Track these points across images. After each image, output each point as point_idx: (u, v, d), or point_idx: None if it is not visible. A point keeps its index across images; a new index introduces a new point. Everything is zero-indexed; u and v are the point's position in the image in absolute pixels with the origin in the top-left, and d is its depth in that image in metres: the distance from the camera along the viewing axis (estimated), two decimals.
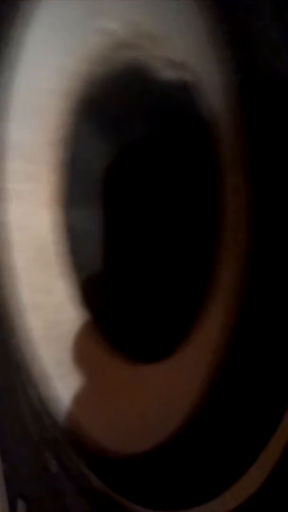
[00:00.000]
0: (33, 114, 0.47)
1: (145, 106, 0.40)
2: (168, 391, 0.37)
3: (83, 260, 0.47)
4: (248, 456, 0.30)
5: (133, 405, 0.39)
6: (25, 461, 0.53)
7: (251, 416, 0.31)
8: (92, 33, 0.40)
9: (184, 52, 0.34)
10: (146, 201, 0.43)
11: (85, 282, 0.47)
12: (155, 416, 0.36)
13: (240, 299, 0.32)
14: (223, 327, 0.32)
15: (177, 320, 0.38)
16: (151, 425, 0.36)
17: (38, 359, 0.47)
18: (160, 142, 0.41)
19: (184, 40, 0.33)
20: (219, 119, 0.33)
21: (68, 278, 0.48)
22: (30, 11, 0.43)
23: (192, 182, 0.39)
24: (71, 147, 0.47)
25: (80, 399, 0.42)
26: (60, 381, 0.45)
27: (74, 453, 0.41)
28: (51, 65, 0.44)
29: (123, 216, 0.45)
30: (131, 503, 0.36)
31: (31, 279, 0.49)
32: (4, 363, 0.54)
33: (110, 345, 0.43)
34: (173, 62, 0.35)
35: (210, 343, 0.33)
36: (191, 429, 0.34)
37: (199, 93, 0.34)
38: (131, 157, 0.44)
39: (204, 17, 0.30)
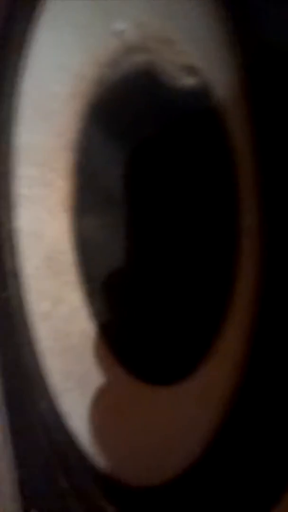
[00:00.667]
0: (43, 118, 0.45)
1: (157, 111, 0.38)
2: (185, 415, 0.35)
3: (94, 270, 0.46)
4: (277, 482, 0.28)
5: (148, 431, 0.37)
6: (38, 473, 0.52)
7: (278, 438, 0.29)
8: (103, 36, 0.38)
9: (198, 56, 0.32)
10: (161, 209, 0.41)
11: (96, 294, 0.45)
12: (171, 443, 0.34)
13: (257, 322, 0.30)
14: (240, 347, 0.30)
15: (194, 340, 0.36)
16: (167, 455, 0.34)
17: (46, 371, 0.46)
18: (173, 147, 0.39)
19: (197, 43, 0.31)
20: (231, 123, 0.31)
21: (78, 289, 0.46)
22: (39, 12, 0.42)
23: (208, 186, 0.37)
24: (82, 152, 0.45)
25: (92, 420, 0.41)
26: (68, 396, 0.43)
27: (85, 474, 0.39)
28: (62, 68, 0.42)
29: (137, 225, 0.43)
30: None
31: (40, 287, 0.48)
32: (17, 373, 0.53)
33: (122, 363, 0.41)
34: (187, 66, 0.33)
35: (229, 363, 0.31)
36: (211, 455, 0.32)
37: (212, 98, 0.32)
38: (143, 163, 0.42)
39: (217, 18, 0.28)
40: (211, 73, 0.31)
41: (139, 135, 0.41)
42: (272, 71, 0.26)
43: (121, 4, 0.36)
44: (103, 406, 0.41)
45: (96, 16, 0.38)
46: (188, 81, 0.33)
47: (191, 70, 0.32)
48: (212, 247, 0.37)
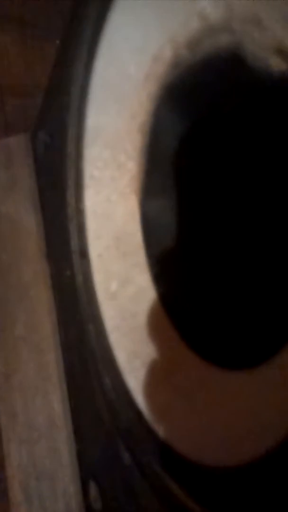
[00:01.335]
0: (116, 99, 0.45)
1: (237, 93, 0.37)
2: (262, 401, 0.35)
3: (161, 252, 0.46)
4: None
5: (222, 414, 0.37)
6: (98, 445, 0.53)
7: None
8: (183, 15, 0.37)
9: None
10: (231, 195, 0.41)
11: (164, 276, 0.46)
12: (246, 428, 0.34)
13: None
14: None
15: (274, 322, 0.36)
16: (242, 438, 0.34)
17: (112, 350, 0.47)
18: (250, 134, 0.38)
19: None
20: None
21: (146, 270, 0.47)
22: None
23: (283, 176, 0.36)
24: (153, 134, 0.45)
25: (158, 400, 0.41)
26: (133, 375, 0.44)
27: (151, 452, 0.40)
28: (137, 49, 0.42)
29: (205, 208, 0.43)
30: None
31: (107, 267, 0.49)
32: (79, 349, 0.54)
33: (191, 345, 0.41)
34: (276, 48, 0.32)
35: None
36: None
37: None
38: (216, 149, 0.41)
39: None
40: None
41: (212, 120, 0.41)
42: None
43: None
44: (170, 386, 0.42)
45: None
46: (276, 63, 0.32)
47: (281, 52, 0.31)
48: (284, 232, 0.37)
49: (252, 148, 0.37)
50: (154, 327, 0.45)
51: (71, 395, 0.60)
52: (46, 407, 0.62)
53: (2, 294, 0.64)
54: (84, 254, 0.50)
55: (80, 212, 0.49)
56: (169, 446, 0.39)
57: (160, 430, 0.40)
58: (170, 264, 0.46)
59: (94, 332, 0.49)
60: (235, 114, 0.38)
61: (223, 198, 0.42)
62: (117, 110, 0.45)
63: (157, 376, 0.43)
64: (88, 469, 0.57)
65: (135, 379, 0.45)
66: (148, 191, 0.47)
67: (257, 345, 0.36)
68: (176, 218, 0.45)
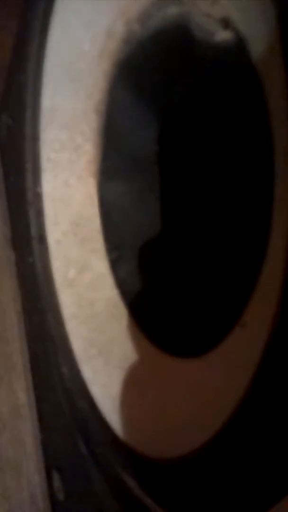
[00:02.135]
0: (71, 78, 0.43)
1: (189, 68, 0.36)
2: (208, 388, 0.34)
3: (120, 238, 0.45)
4: None
5: (170, 404, 0.36)
6: (60, 435, 0.52)
7: None
8: None
9: (234, 7, 0.29)
10: (192, 174, 0.40)
11: (121, 262, 0.44)
12: (190, 419, 0.33)
13: (284, 296, 0.28)
14: (267, 320, 0.29)
15: (221, 312, 0.35)
16: (185, 429, 0.33)
17: (70, 337, 0.45)
18: (206, 107, 0.37)
19: None
20: (268, 80, 0.29)
21: (104, 256, 0.45)
22: None
23: (243, 149, 0.35)
24: (110, 114, 0.43)
25: (113, 390, 0.40)
26: (89, 364, 0.43)
27: (104, 442, 0.39)
28: (90, 25, 0.40)
29: (165, 191, 0.42)
30: (159, 508, 0.34)
31: (65, 254, 0.47)
32: (40, 337, 0.53)
33: (146, 333, 0.40)
34: (222, 18, 0.30)
35: (255, 337, 0.30)
36: (232, 430, 0.31)
37: (248, 53, 0.30)
38: (173, 126, 0.40)
39: None
40: (247, 26, 0.28)
41: (169, 96, 0.39)
42: None
43: None
44: (125, 375, 0.41)
45: None
46: (223, 36, 0.30)
47: (226, 23, 0.30)
48: (243, 217, 0.36)
49: (207, 123, 0.36)
50: (111, 315, 0.44)
51: (36, 385, 0.59)
52: (11, 397, 0.60)
53: None
54: (42, 240, 0.48)
55: (38, 197, 0.48)
56: (120, 438, 0.38)
57: (113, 421, 0.39)
58: (128, 250, 0.44)
59: (52, 320, 0.48)
60: (186, 88, 0.37)
61: (182, 180, 0.41)
62: (73, 89, 0.43)
63: (112, 365, 0.42)
64: (51, 459, 0.56)
65: (90, 369, 0.43)
66: (106, 174, 0.45)
67: (206, 334, 0.35)
68: (134, 201, 0.44)
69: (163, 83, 0.38)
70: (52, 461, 0.56)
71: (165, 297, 0.40)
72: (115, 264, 0.45)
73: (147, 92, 0.39)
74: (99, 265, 0.45)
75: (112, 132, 0.43)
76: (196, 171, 0.39)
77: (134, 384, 0.40)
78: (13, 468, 0.59)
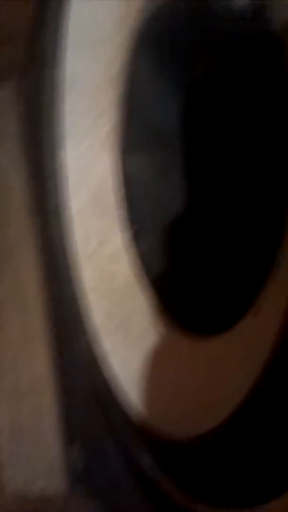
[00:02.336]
0: (91, 45, 0.42)
1: (210, 38, 0.34)
2: (226, 365, 0.33)
3: (139, 211, 0.44)
4: None
5: (187, 383, 0.35)
6: (79, 407, 0.53)
7: None
8: None
9: None
10: (214, 151, 0.38)
11: (141, 236, 0.43)
12: (212, 393, 0.33)
13: None
14: (283, 306, 0.28)
15: (240, 293, 0.34)
16: (207, 404, 0.32)
17: (89, 311, 0.45)
18: (227, 78, 0.35)
19: None
20: None
21: (123, 229, 0.44)
22: None
23: (266, 120, 0.33)
24: (129, 84, 0.41)
25: (131, 364, 0.40)
26: (108, 337, 0.43)
27: (120, 419, 0.39)
28: None
29: (185, 168, 0.40)
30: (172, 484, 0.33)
31: (86, 226, 0.46)
32: (61, 310, 0.53)
33: (164, 309, 0.39)
34: None
35: (274, 316, 0.29)
36: (245, 413, 0.30)
37: (269, 21, 0.28)
38: (194, 99, 0.38)
39: None
40: None
41: (191, 67, 0.37)
42: None
43: None
44: (143, 350, 0.40)
45: None
46: (243, 3, 0.29)
47: None
48: (265, 196, 0.34)
49: (230, 94, 0.34)
50: (130, 290, 0.43)
51: (56, 357, 0.59)
52: (31, 368, 0.61)
53: None
54: (61, 211, 0.47)
55: (57, 167, 0.47)
56: (136, 414, 0.38)
57: (130, 397, 0.39)
58: (148, 225, 0.43)
59: (72, 293, 0.47)
60: (208, 60, 0.35)
61: (204, 155, 0.39)
62: (94, 56, 0.42)
63: (130, 340, 0.42)
64: (71, 430, 0.56)
65: (109, 343, 0.43)
66: (128, 146, 0.44)
67: (224, 312, 0.34)
68: (155, 176, 0.42)
69: (184, 53, 0.36)
70: (72, 433, 0.56)
71: (185, 274, 0.39)
72: (135, 238, 0.44)
73: (168, 63, 0.38)
74: (119, 239, 0.44)
75: (133, 103, 0.42)
76: (219, 145, 0.37)
77: (152, 360, 0.39)
78: (33, 438, 0.60)
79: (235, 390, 0.30)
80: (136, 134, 0.43)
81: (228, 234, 0.37)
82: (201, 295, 0.38)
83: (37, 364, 0.60)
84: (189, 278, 0.39)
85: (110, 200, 0.45)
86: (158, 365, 0.39)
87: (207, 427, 0.30)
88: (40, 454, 0.59)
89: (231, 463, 0.30)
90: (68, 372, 0.55)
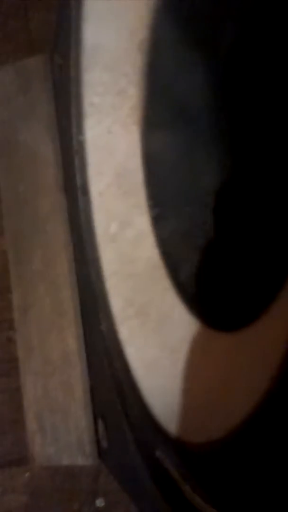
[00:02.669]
0: (112, 13, 0.39)
1: (238, 5, 0.30)
2: (241, 363, 0.32)
3: (162, 193, 0.41)
4: None
5: (205, 376, 0.34)
6: (103, 385, 0.52)
7: None
8: None
9: None
10: (243, 131, 0.35)
11: (163, 220, 0.41)
12: (228, 393, 0.31)
13: None
14: None
15: (259, 288, 0.31)
16: (223, 405, 0.31)
17: (108, 295, 0.44)
18: (258, 50, 0.32)
19: None
20: None
21: (144, 212, 0.42)
22: None
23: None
24: (152, 55, 0.38)
25: (147, 354, 0.38)
26: (126, 324, 0.41)
27: (135, 411, 0.38)
28: None
29: (210, 149, 0.37)
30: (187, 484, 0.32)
31: (108, 206, 0.45)
32: (86, 290, 0.52)
33: (184, 300, 0.38)
34: None
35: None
36: (265, 411, 0.28)
37: None
38: (222, 72, 0.35)
39: None
40: None
41: (218, 37, 0.34)
42: None
43: None
44: (160, 341, 0.39)
45: None
46: None
47: None
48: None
49: (260, 67, 0.31)
50: (151, 276, 0.41)
51: (85, 332, 0.59)
52: (61, 343, 0.61)
53: (18, 227, 0.62)
54: (85, 191, 0.46)
55: (81, 144, 0.45)
56: (150, 408, 0.37)
57: (145, 389, 0.38)
58: (171, 208, 0.41)
59: (94, 275, 0.46)
60: (237, 30, 0.31)
61: (232, 135, 0.36)
62: (116, 26, 0.39)
63: (148, 328, 0.40)
64: (98, 406, 0.56)
65: (127, 330, 0.42)
66: (151, 123, 0.41)
67: (243, 309, 0.31)
68: (180, 157, 0.40)
69: (211, 22, 0.32)
70: (99, 409, 0.57)
71: (206, 265, 0.36)
72: (156, 222, 0.42)
73: (193, 32, 0.34)
74: (141, 221, 0.42)
75: (157, 77, 0.39)
76: (249, 124, 0.34)
77: (168, 351, 0.38)
78: (62, 411, 0.61)
79: (252, 389, 0.28)
80: (160, 110, 0.40)
81: (253, 225, 0.34)
82: (221, 288, 0.35)
83: (68, 339, 0.60)
84: (210, 270, 0.37)
85: (132, 181, 0.43)
86: (174, 356, 0.37)
87: (225, 429, 0.28)
88: (70, 428, 0.60)
89: (252, 465, 0.28)
90: (95, 349, 0.54)
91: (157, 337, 0.39)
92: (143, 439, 0.37)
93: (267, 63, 0.32)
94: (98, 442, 0.59)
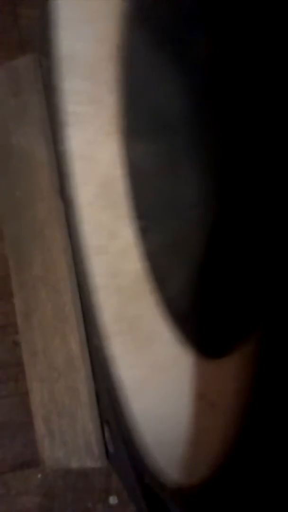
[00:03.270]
0: (85, 20, 0.37)
1: (214, 12, 0.28)
2: (220, 393, 0.30)
3: (146, 206, 0.40)
4: None
5: (184, 395, 0.33)
6: (104, 393, 0.52)
7: None
8: None
9: None
10: (224, 139, 0.33)
11: (147, 233, 0.40)
12: (208, 427, 0.30)
13: None
14: None
15: (244, 312, 0.30)
16: (205, 439, 0.30)
17: (98, 309, 0.43)
18: (236, 56, 0.29)
19: None
20: None
21: (129, 224, 0.41)
22: None
23: (278, 102, 0.28)
24: (129, 62, 0.36)
25: (137, 372, 0.37)
26: (115, 340, 0.40)
27: (124, 425, 0.37)
28: None
29: (193, 157, 0.35)
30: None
31: (96, 218, 0.43)
32: (83, 299, 0.51)
33: (171, 316, 0.36)
34: None
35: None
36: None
37: None
38: (199, 77, 0.33)
39: None
40: None
41: (194, 43, 0.32)
42: None
43: None
44: (149, 359, 0.38)
45: None
46: None
47: None
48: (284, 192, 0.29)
49: (238, 74, 0.29)
50: (138, 290, 0.40)
51: (88, 337, 0.58)
52: (65, 347, 0.61)
53: (17, 233, 0.62)
54: (72, 201, 0.44)
55: (63, 153, 0.43)
56: (139, 431, 0.36)
57: (135, 408, 0.37)
58: (157, 220, 0.39)
59: (86, 288, 0.45)
60: (214, 36, 0.29)
61: (213, 142, 0.34)
62: (89, 33, 0.37)
63: (137, 344, 0.39)
64: (104, 410, 0.56)
65: (118, 345, 0.41)
66: (132, 132, 0.39)
67: (227, 334, 0.30)
68: (162, 166, 0.38)
69: (186, 28, 0.30)
70: (104, 413, 0.56)
71: (193, 282, 0.35)
72: (143, 234, 0.40)
73: (168, 39, 0.32)
74: (127, 233, 0.41)
75: (133, 84, 0.37)
76: (230, 130, 0.32)
77: (157, 371, 0.37)
78: (69, 415, 0.61)
79: (230, 420, 0.27)
80: (140, 118, 0.38)
81: (240, 236, 0.32)
82: (208, 308, 0.34)
83: (71, 344, 0.60)
84: (197, 286, 0.35)
85: (116, 191, 0.41)
86: (162, 377, 0.36)
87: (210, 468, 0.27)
88: (77, 432, 0.60)
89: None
90: (95, 357, 0.54)
91: (147, 355, 0.38)
92: (134, 462, 0.37)
93: (246, 68, 0.30)
94: (105, 444, 0.59)
